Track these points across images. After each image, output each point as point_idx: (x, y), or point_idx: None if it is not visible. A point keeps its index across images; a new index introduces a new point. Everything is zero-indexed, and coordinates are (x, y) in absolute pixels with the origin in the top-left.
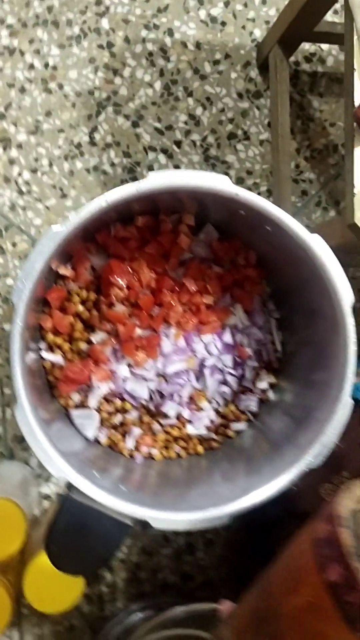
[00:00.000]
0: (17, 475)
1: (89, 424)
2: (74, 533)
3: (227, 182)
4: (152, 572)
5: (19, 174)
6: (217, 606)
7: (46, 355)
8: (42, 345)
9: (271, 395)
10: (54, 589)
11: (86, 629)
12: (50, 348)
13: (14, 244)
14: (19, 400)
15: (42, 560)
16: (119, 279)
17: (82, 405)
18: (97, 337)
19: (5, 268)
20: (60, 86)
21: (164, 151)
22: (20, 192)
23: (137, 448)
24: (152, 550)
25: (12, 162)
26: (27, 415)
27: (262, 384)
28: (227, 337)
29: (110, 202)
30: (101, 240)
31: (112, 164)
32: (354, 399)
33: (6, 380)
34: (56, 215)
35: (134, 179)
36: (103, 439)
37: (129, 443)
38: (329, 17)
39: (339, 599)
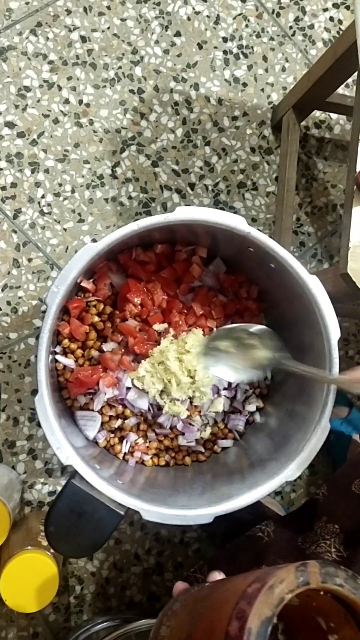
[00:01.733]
0: (3, 479)
1: (91, 425)
2: (71, 516)
3: (242, 222)
4: (121, 588)
5: (43, 196)
6: None
7: (60, 358)
8: (58, 349)
9: (258, 418)
10: (28, 590)
11: (50, 637)
12: (65, 352)
13: (29, 260)
14: (41, 390)
15: (20, 562)
16: (134, 297)
17: (87, 407)
18: (108, 347)
19: (18, 281)
20: (91, 122)
21: (178, 191)
22: (42, 213)
23: (131, 452)
24: (123, 567)
25: (38, 184)
26: (46, 404)
27: (251, 407)
28: None
29: (141, 226)
30: (123, 260)
31: (130, 197)
32: (346, 434)
33: (5, 386)
34: (72, 237)
35: (148, 213)
36: (101, 441)
37: (125, 447)
38: (341, 90)
39: None
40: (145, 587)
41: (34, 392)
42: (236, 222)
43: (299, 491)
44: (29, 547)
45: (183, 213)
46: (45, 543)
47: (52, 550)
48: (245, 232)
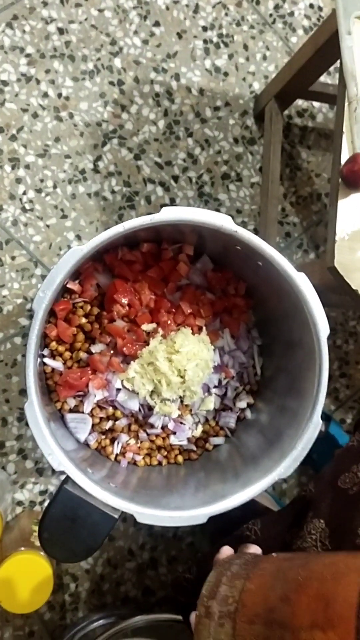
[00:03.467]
0: None
1: (82, 427)
2: (65, 522)
3: (229, 221)
4: (116, 584)
5: (24, 193)
6: (178, 617)
7: (48, 361)
8: (46, 351)
9: (248, 414)
10: (23, 591)
11: (46, 636)
12: (53, 355)
13: (12, 258)
14: (30, 397)
15: (14, 563)
16: (121, 297)
17: (77, 409)
18: (96, 348)
19: (2, 279)
20: (71, 115)
21: (162, 184)
22: (24, 210)
23: (122, 453)
24: (117, 563)
25: (19, 181)
26: (35, 410)
27: (241, 404)
28: (216, 358)
29: (127, 228)
30: (109, 261)
31: (113, 191)
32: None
33: None
34: (55, 234)
35: (132, 207)
36: (92, 443)
37: (116, 448)
38: (323, 77)
39: None
40: (140, 582)
41: (22, 392)
42: (222, 221)
43: (290, 481)
44: (23, 548)
45: (169, 213)
46: (38, 543)
47: None
48: (232, 231)
